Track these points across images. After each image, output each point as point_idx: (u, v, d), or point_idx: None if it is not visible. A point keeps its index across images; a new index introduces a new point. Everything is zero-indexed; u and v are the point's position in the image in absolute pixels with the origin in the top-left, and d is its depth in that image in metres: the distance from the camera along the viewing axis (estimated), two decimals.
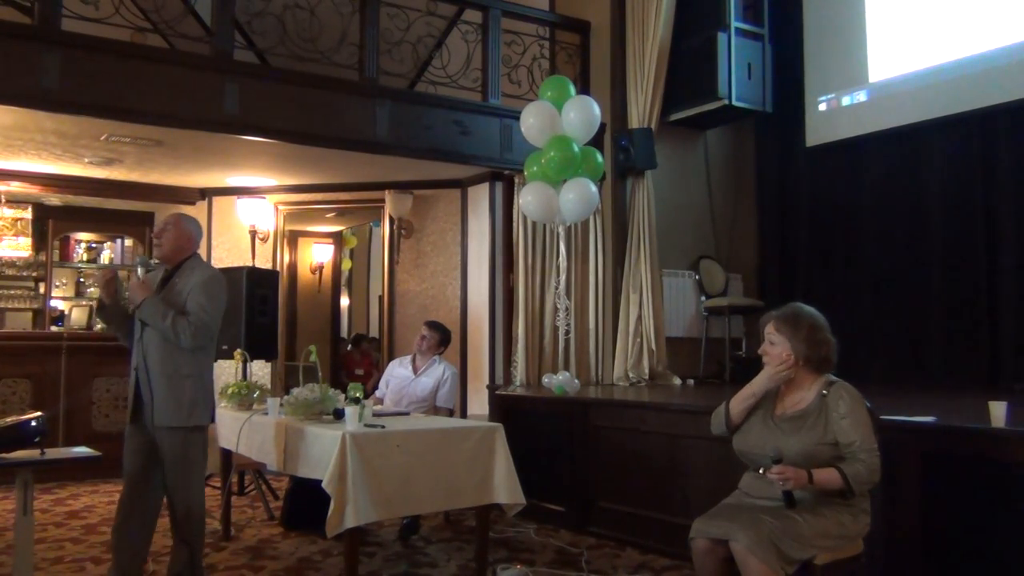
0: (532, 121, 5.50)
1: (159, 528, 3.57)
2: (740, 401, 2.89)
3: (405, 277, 7.23)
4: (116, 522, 3.45)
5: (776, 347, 2.82)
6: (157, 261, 3.57)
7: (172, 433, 3.34)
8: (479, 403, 6.46)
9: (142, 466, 3.42)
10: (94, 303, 3.44)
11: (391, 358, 6.35)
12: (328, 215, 8.86)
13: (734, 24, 6.37)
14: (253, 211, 7.16)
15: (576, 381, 5.74)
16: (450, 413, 5.31)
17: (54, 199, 7.83)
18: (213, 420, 3.58)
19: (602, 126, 5.94)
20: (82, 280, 8.92)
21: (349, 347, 9.59)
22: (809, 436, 2.70)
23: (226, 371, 6.19)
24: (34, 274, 8.67)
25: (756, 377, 2.88)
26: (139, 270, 3.46)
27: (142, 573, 3.48)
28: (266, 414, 4.14)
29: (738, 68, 6.33)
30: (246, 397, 4.55)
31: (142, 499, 3.42)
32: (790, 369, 2.80)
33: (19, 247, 8.16)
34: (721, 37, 6.27)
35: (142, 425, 3.39)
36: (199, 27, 6.15)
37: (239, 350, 5.01)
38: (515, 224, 6.35)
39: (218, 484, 5.12)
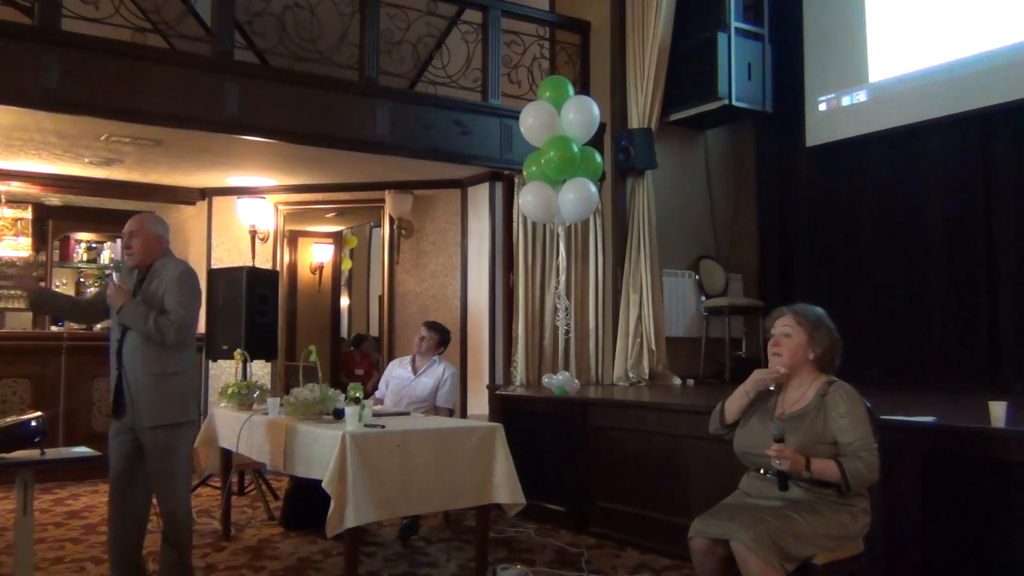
0: (531, 121, 5.49)
1: (156, 528, 3.55)
2: (733, 400, 2.95)
3: (405, 277, 7.22)
4: (108, 521, 3.49)
5: (793, 338, 2.84)
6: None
7: (159, 431, 3.34)
8: (479, 403, 6.45)
9: (126, 463, 3.42)
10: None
11: (391, 358, 6.35)
12: (328, 215, 8.86)
13: (734, 24, 6.35)
14: (253, 211, 7.15)
15: (576, 381, 5.74)
16: (450, 413, 5.32)
17: (54, 199, 7.84)
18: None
19: (602, 126, 5.94)
20: (82, 280, 8.93)
21: (350, 347, 9.59)
22: (808, 435, 2.71)
23: (226, 371, 6.19)
24: (34, 274, 8.67)
25: (747, 379, 2.94)
26: (115, 275, 3.46)
27: (140, 570, 3.48)
28: (266, 414, 4.15)
29: (738, 68, 6.32)
30: (246, 397, 4.55)
31: (129, 497, 3.43)
32: (776, 377, 2.86)
33: (19, 247, 8.17)
34: (721, 37, 6.26)
35: (125, 424, 3.39)
36: (199, 27, 6.15)
37: (239, 350, 5.01)
38: (515, 224, 6.34)
39: (218, 484, 5.12)
